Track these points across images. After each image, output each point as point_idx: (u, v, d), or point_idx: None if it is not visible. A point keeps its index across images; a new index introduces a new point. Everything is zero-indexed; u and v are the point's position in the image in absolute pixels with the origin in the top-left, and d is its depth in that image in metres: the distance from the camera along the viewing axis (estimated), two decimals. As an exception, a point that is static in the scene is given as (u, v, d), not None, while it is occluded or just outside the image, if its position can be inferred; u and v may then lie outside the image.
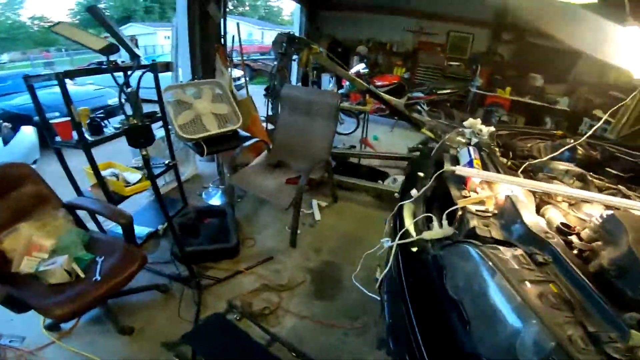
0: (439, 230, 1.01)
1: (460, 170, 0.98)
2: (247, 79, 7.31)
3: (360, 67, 4.95)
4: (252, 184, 2.36)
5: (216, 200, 3.01)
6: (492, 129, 1.50)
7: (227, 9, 3.73)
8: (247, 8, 23.76)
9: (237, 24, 3.46)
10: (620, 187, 1.13)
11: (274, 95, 3.10)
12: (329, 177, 2.80)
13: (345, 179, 3.02)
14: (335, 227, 2.68)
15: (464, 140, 1.47)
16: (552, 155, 1.39)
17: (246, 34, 15.29)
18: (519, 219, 0.88)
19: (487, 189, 1.04)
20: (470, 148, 1.16)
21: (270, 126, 3.62)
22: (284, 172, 2.47)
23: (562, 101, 6.06)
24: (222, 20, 3.64)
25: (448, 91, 4.81)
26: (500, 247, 0.82)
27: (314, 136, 2.50)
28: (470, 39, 6.42)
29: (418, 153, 3.39)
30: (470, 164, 1.07)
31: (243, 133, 2.65)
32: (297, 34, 5.44)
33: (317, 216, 2.73)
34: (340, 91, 4.61)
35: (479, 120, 1.67)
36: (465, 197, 1.01)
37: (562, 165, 1.20)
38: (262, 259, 2.25)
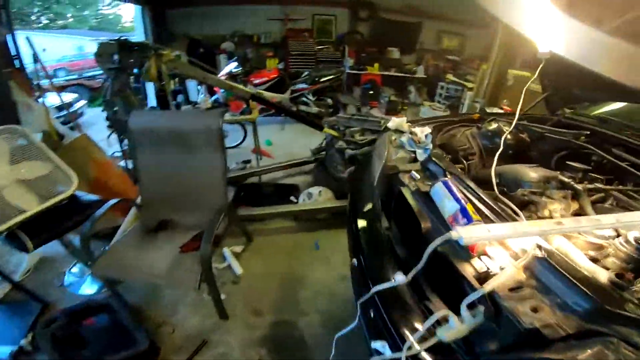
0: (461, 326, 0.64)
1: (467, 236, 0.62)
2: (86, 102, 5.63)
3: (232, 67, 4.29)
4: (130, 268, 1.57)
5: (89, 288, 2.03)
6: (428, 130, 1.22)
7: (18, 21, 2.52)
8: (71, 19, 18.79)
9: (27, 37, 2.35)
10: (606, 187, 0.99)
11: (119, 128, 2.22)
12: (233, 216, 2.21)
13: (253, 211, 2.47)
14: (265, 273, 2.15)
15: (406, 155, 1.14)
16: (498, 153, 1.18)
17: (74, 48, 12.21)
18: (578, 290, 0.58)
19: (497, 245, 0.72)
20: (449, 183, 0.82)
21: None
22: (173, 236, 1.75)
23: (418, 70, 6.78)
24: (9, 37, 2.44)
25: (330, 77, 4.66)
26: (589, 350, 0.52)
27: (199, 177, 1.82)
28: (334, 21, 6.45)
29: (324, 153, 3.08)
30: (464, 213, 0.73)
31: (88, 196, 1.78)
32: (141, 40, 4.34)
33: (238, 269, 2.13)
34: (214, 98, 3.87)
35: (404, 119, 1.39)
36: (481, 272, 0.66)
37: (532, 172, 0.98)
38: (195, 348, 1.63)
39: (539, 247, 0.66)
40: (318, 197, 2.56)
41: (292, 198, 2.82)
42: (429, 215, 0.89)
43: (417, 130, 1.22)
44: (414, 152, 1.12)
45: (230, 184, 3.01)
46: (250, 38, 5.97)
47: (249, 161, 3.51)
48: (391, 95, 4.37)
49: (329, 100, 4.81)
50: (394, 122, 1.36)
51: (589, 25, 1.15)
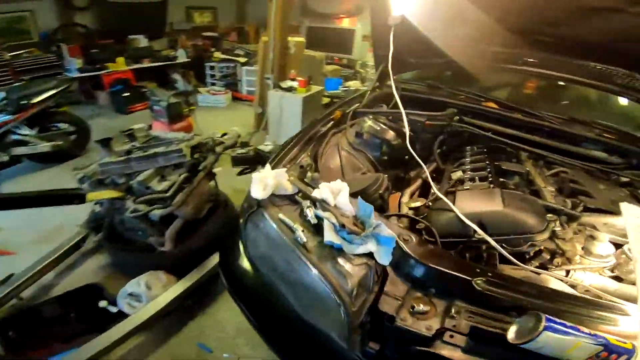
0: None
1: None
2: None
3: None
4: None
5: None
6: (344, 186, 0.67)
7: None
8: None
9: None
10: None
11: None
12: None
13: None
14: None
15: (358, 271, 0.55)
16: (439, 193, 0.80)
17: None
18: None
19: None
20: (558, 325, 0.33)
21: None
22: None
23: (179, 54, 5.81)
24: None
25: (52, 92, 2.91)
26: None
27: None
28: (29, 17, 4.63)
29: (106, 221, 1.88)
30: (614, 349, 0.44)
31: None
32: None
33: None
34: None
35: (280, 172, 0.78)
36: None
37: (523, 214, 0.67)
38: None
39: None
40: (150, 293, 1.52)
41: (103, 304, 1.60)
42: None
43: (324, 194, 0.64)
44: (369, 254, 0.55)
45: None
46: None
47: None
48: (169, 97, 3.18)
49: (65, 125, 3.17)
50: (261, 184, 0.70)
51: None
